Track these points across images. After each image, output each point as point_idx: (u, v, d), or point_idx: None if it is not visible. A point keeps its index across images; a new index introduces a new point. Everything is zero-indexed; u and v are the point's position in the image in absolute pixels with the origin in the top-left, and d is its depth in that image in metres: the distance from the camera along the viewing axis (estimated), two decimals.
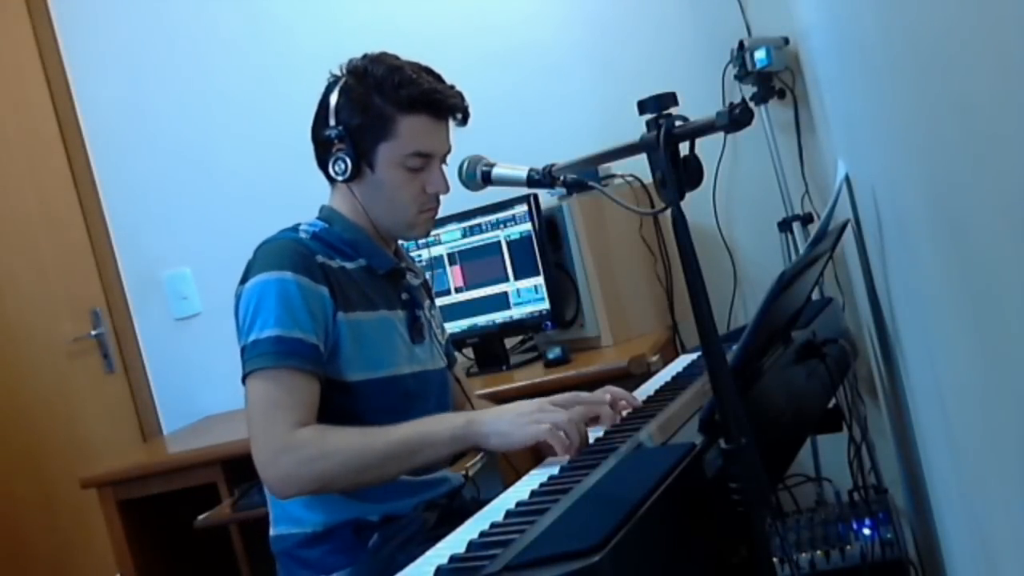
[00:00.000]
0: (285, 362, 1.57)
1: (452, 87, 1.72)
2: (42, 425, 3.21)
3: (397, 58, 1.71)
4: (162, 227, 3.32)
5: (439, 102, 1.67)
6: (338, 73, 1.72)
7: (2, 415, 3.14)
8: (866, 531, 2.21)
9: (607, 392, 1.68)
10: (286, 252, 1.63)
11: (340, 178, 1.69)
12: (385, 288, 1.74)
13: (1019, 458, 0.66)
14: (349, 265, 1.70)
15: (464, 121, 1.73)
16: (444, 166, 1.74)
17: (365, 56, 1.71)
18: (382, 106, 1.66)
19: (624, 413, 1.66)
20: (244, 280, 1.65)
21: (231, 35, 3.22)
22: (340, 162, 1.68)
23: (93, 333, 3.33)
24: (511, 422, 1.51)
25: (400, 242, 1.87)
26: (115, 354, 3.36)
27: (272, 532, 1.73)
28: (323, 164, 1.73)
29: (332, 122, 1.68)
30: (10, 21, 3.29)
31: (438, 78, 1.72)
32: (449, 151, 1.75)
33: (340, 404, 1.64)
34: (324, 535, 1.67)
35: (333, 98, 1.69)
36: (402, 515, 1.68)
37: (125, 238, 3.36)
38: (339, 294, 1.64)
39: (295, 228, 1.72)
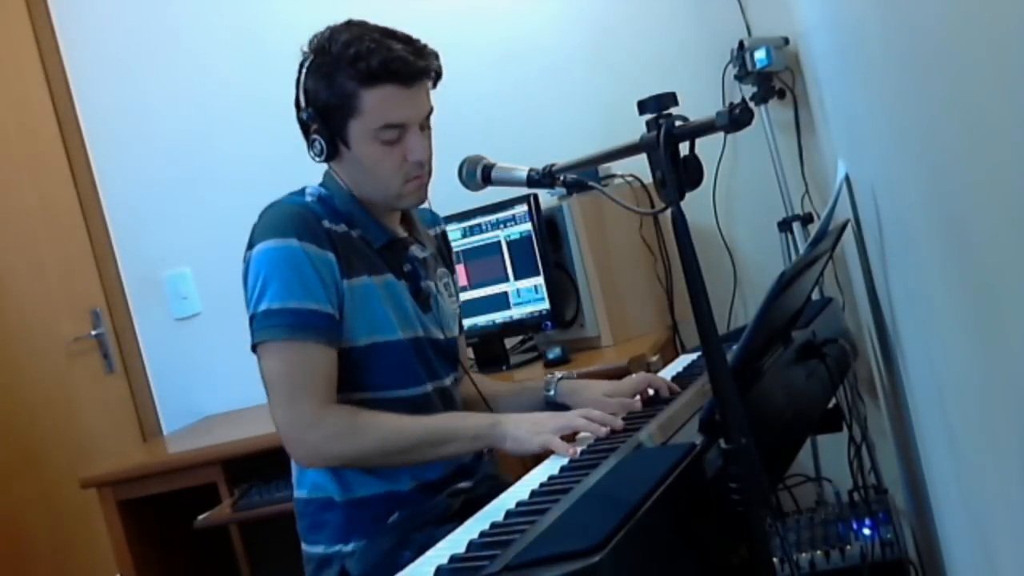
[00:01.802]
0: (301, 335, 1.58)
1: (421, 48, 1.63)
2: (42, 425, 3.21)
3: (362, 25, 1.64)
4: (162, 227, 3.31)
5: (400, 70, 1.59)
6: (306, 50, 1.67)
7: (2, 415, 3.14)
8: (866, 531, 2.21)
9: (638, 380, 1.76)
10: (292, 218, 1.62)
11: (319, 159, 1.67)
12: (387, 257, 1.72)
13: (1019, 458, 0.66)
14: (353, 232, 1.69)
15: (437, 81, 1.66)
16: (428, 130, 1.69)
17: (328, 28, 1.65)
18: (344, 82, 1.60)
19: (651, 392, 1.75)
20: (251, 245, 1.64)
21: (231, 35, 3.22)
22: (315, 143, 1.66)
23: (93, 333, 3.33)
24: (528, 430, 1.55)
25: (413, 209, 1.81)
26: (115, 354, 3.36)
27: (296, 494, 1.75)
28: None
29: (303, 103, 1.65)
30: (10, 21, 3.29)
31: (406, 40, 1.63)
32: (429, 113, 1.68)
33: (346, 367, 1.64)
34: (348, 506, 1.68)
35: (302, 78, 1.66)
36: (421, 489, 1.69)
37: (125, 238, 3.36)
38: (344, 259, 1.64)
39: (302, 192, 1.71)
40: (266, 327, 1.59)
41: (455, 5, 3.06)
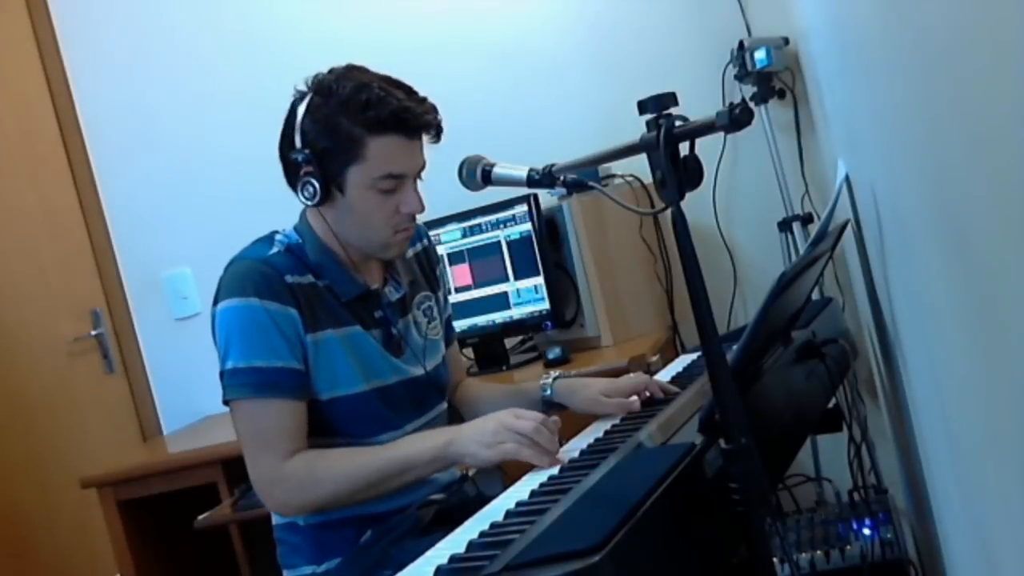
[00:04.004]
0: (266, 393, 1.59)
1: (424, 101, 1.64)
2: (42, 425, 3.21)
3: (366, 72, 1.64)
4: (162, 227, 3.32)
5: (408, 121, 1.60)
6: (303, 88, 1.65)
7: (2, 415, 3.14)
8: (866, 531, 2.21)
9: (647, 384, 1.73)
10: (252, 276, 1.61)
11: (309, 203, 1.65)
12: (356, 308, 1.71)
13: (1019, 458, 0.66)
14: (320, 283, 1.68)
15: (437, 138, 1.66)
16: (419, 181, 1.70)
17: (332, 71, 1.64)
18: (350, 128, 1.59)
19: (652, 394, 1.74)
20: (215, 301, 1.64)
21: (231, 35, 3.22)
22: (308, 187, 1.63)
23: (93, 333, 3.33)
24: (485, 444, 1.52)
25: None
26: (115, 354, 3.36)
27: (272, 520, 1.77)
28: (292, 185, 1.68)
29: (299, 144, 1.62)
30: (10, 21, 3.29)
31: (409, 92, 1.64)
32: (423, 167, 1.69)
33: (317, 419, 1.66)
34: (315, 528, 1.70)
35: (299, 118, 1.62)
36: (391, 512, 1.69)
37: (125, 238, 3.36)
38: (307, 313, 1.63)
39: (270, 239, 1.70)
40: (232, 385, 1.61)
41: (456, 5, 3.06)
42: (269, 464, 1.59)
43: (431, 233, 2.70)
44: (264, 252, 1.66)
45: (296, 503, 1.62)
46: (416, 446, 1.61)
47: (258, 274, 1.61)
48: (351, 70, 1.64)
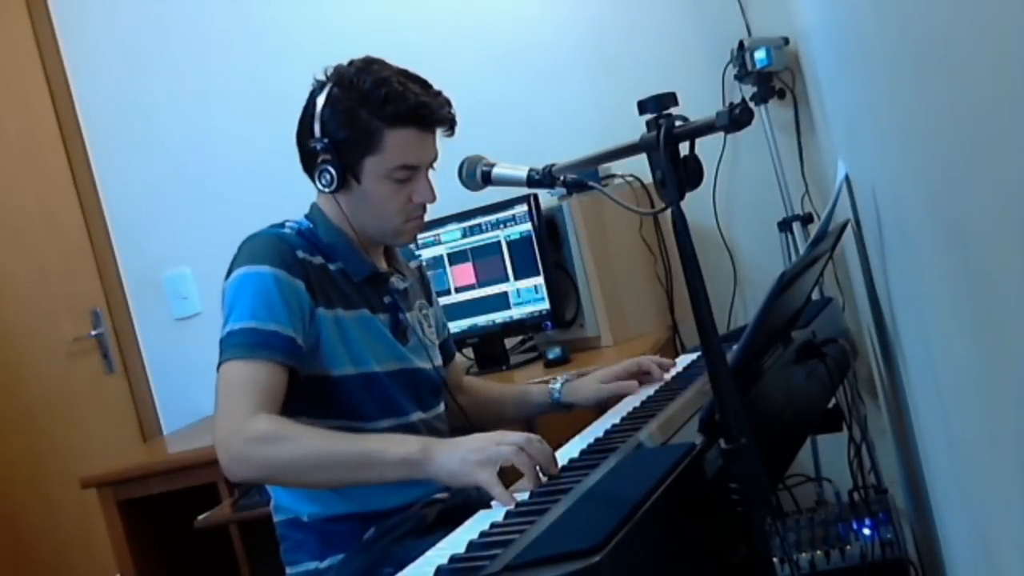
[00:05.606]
0: (258, 353, 1.57)
1: (439, 95, 1.69)
2: (42, 425, 3.21)
3: (385, 66, 1.68)
4: (162, 227, 3.32)
5: (425, 116, 1.65)
6: (323, 78, 1.69)
7: (2, 415, 3.14)
8: (866, 531, 2.21)
9: (639, 362, 1.87)
10: (265, 246, 1.65)
11: (326, 190, 1.70)
12: (365, 291, 1.75)
13: (1019, 458, 0.66)
14: (331, 266, 1.72)
15: (451, 132, 1.71)
16: (431, 171, 1.74)
17: (352, 63, 1.68)
18: (368, 120, 1.64)
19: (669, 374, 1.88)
20: (228, 275, 1.67)
21: (231, 35, 3.22)
22: (325, 174, 1.68)
23: (93, 333, 3.33)
24: (462, 460, 1.41)
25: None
26: (115, 354, 3.36)
27: (274, 518, 1.77)
28: (308, 171, 1.73)
29: (318, 133, 1.67)
30: (10, 21, 3.29)
31: (425, 86, 1.68)
32: (435, 158, 1.73)
33: (323, 397, 1.66)
34: (319, 523, 1.69)
35: (319, 107, 1.67)
36: (394, 509, 1.69)
37: (125, 238, 3.36)
38: (318, 290, 1.66)
39: (281, 224, 1.74)
40: (227, 347, 1.59)
41: (456, 7, 3.06)
42: (235, 415, 1.53)
43: (432, 233, 2.74)
44: (278, 231, 1.71)
45: (251, 458, 1.51)
46: (387, 444, 1.52)
47: (271, 246, 1.65)
48: (371, 63, 1.68)
